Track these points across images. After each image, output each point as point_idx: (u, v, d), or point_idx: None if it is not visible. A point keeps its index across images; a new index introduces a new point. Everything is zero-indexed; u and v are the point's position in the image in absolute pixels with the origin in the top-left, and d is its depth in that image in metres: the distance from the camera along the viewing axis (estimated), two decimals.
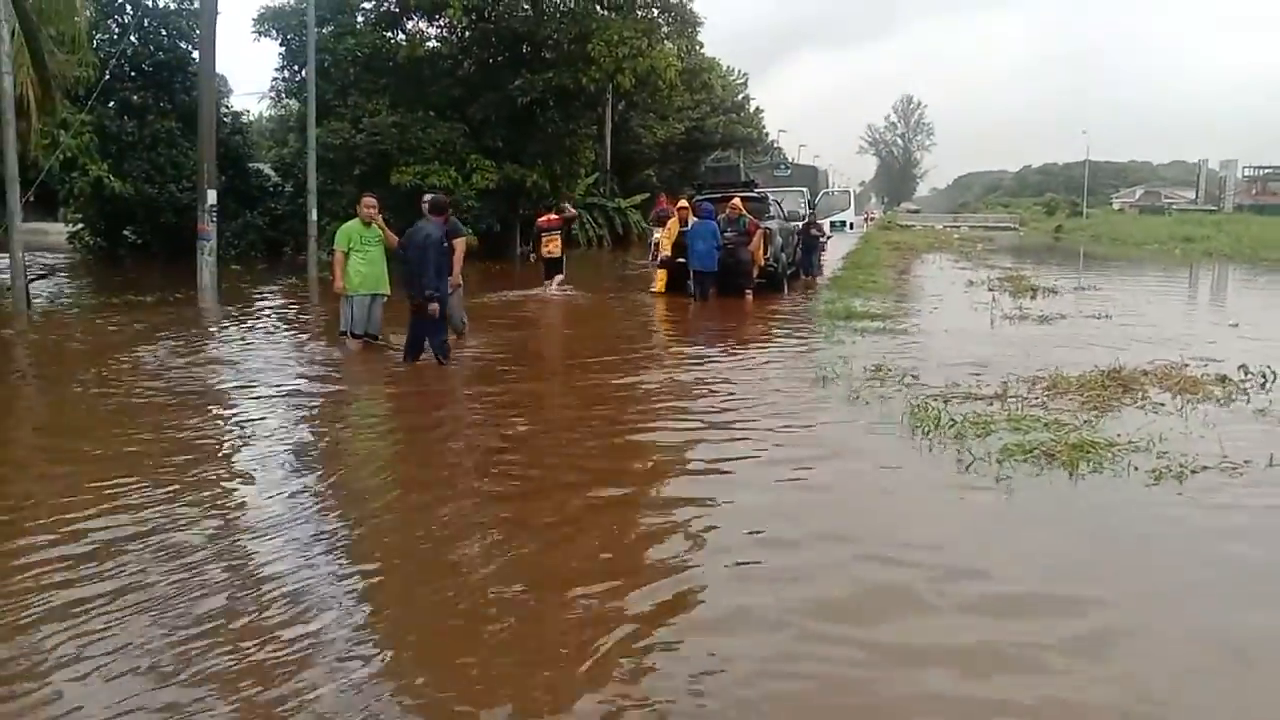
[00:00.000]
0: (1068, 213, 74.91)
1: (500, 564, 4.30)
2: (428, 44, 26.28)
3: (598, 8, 25.00)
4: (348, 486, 5.58)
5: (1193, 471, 5.65)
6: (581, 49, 23.50)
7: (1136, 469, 5.71)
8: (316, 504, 5.14)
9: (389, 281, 10.35)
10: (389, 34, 26.04)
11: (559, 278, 17.39)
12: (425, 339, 9.26)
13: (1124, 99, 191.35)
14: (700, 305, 15.29)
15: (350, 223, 10.40)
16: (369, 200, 10.40)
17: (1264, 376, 8.43)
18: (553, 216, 18.19)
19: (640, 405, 8.00)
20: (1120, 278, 24.82)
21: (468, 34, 25.81)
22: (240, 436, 6.60)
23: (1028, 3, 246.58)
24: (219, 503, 5.13)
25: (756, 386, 8.65)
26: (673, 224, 16.90)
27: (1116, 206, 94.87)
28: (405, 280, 9.20)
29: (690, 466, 6.06)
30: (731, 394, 8.31)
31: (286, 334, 12.27)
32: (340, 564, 4.29)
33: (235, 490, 5.38)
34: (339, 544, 4.53)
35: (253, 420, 7.08)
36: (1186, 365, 9.07)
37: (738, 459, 6.14)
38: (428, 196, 10.19)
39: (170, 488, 5.25)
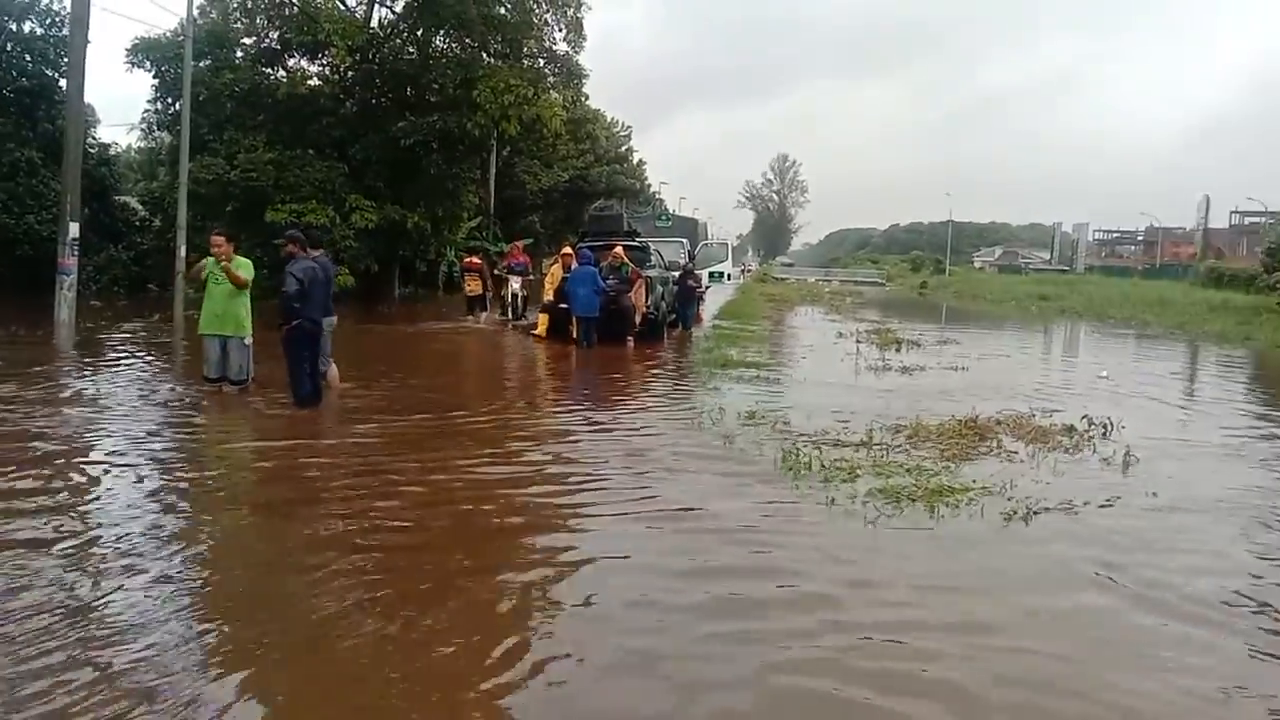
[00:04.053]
0: (932, 270, 78.40)
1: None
2: (309, 82, 26.04)
3: (484, 55, 25.23)
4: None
5: (1036, 513, 6.10)
6: (467, 94, 23.63)
7: (988, 511, 6.13)
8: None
9: (241, 323, 9.67)
10: (269, 70, 25.71)
11: (484, 314, 20.54)
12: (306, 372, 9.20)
13: (986, 164, 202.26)
14: (584, 351, 15.43)
15: (209, 258, 9.80)
16: (215, 239, 9.68)
17: (1104, 427, 9.10)
18: (474, 259, 21.49)
19: (527, 447, 8.08)
20: (979, 332, 26.18)
21: (350, 74, 25.64)
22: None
23: (900, 73, 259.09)
24: None
25: (641, 431, 8.85)
26: (555, 270, 17.14)
27: (977, 265, 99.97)
28: (290, 313, 9.07)
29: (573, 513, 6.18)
30: (615, 440, 8.49)
31: (140, 375, 11.66)
32: None
33: None
34: None
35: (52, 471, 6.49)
36: (1034, 416, 9.71)
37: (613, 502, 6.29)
38: (294, 232, 9.87)
39: None
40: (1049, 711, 3.63)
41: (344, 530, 5.51)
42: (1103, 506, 6.41)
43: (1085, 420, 9.29)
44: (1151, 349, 22.68)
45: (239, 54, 25.44)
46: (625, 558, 5.14)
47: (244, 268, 9.70)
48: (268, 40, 25.68)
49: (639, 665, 3.89)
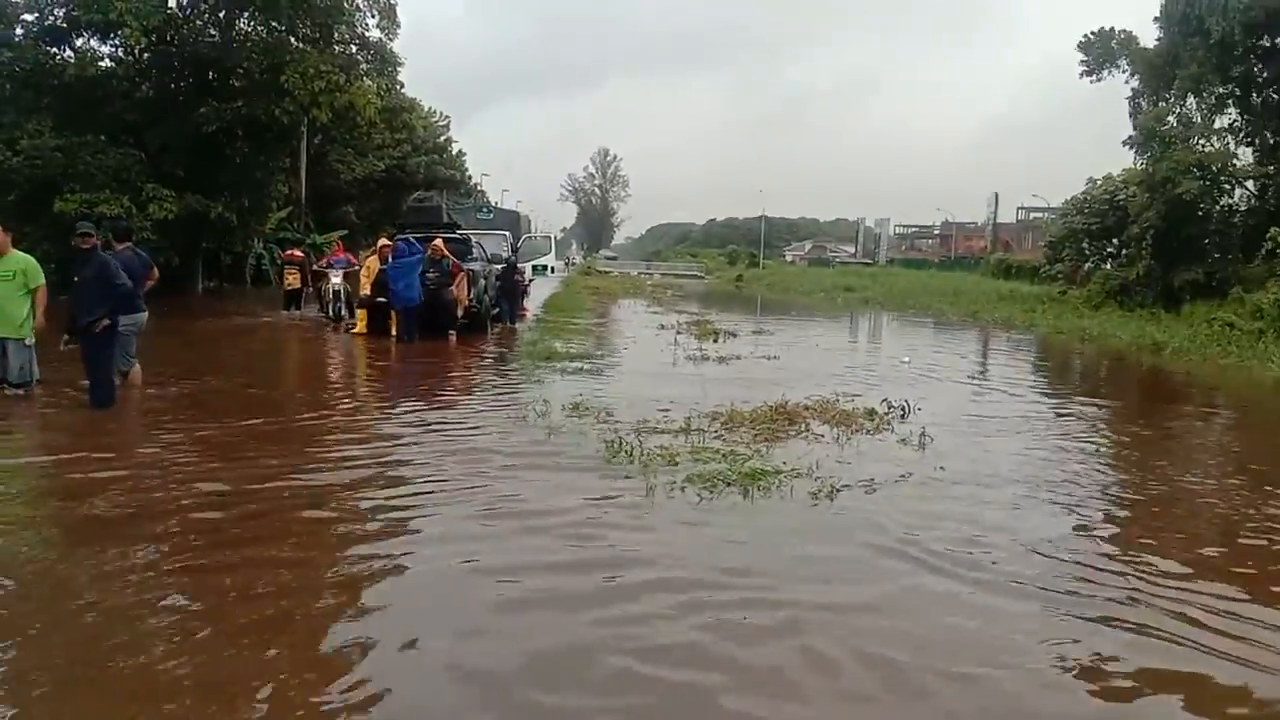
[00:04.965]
0: (747, 263, 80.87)
1: None
2: (100, 64, 24.31)
3: (292, 39, 24.28)
4: None
5: (839, 490, 6.54)
6: (274, 79, 22.73)
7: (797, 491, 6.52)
8: None
9: (19, 325, 8.90)
10: (54, 50, 23.79)
11: (299, 312, 20.24)
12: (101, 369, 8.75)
13: (796, 161, 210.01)
14: (405, 346, 15.16)
15: None
16: None
17: (903, 409, 9.78)
18: (296, 252, 21.68)
19: (349, 450, 7.93)
20: (790, 323, 27.38)
21: (146, 56, 24.11)
22: None
23: (716, 71, 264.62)
24: None
25: (467, 428, 8.84)
26: (372, 262, 16.77)
27: (788, 258, 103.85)
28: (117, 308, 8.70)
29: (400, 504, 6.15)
30: (441, 433, 8.45)
31: None
32: None
33: None
34: None
35: None
36: (839, 400, 10.32)
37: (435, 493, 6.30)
38: (89, 226, 9.24)
39: None
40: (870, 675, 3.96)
41: (155, 548, 5.20)
42: (898, 482, 6.93)
43: (885, 403, 9.94)
44: (947, 335, 24.37)
45: (19, 31, 23.45)
46: (462, 557, 5.15)
47: (32, 271, 8.98)
48: (52, 17, 23.72)
49: (481, 670, 3.97)
